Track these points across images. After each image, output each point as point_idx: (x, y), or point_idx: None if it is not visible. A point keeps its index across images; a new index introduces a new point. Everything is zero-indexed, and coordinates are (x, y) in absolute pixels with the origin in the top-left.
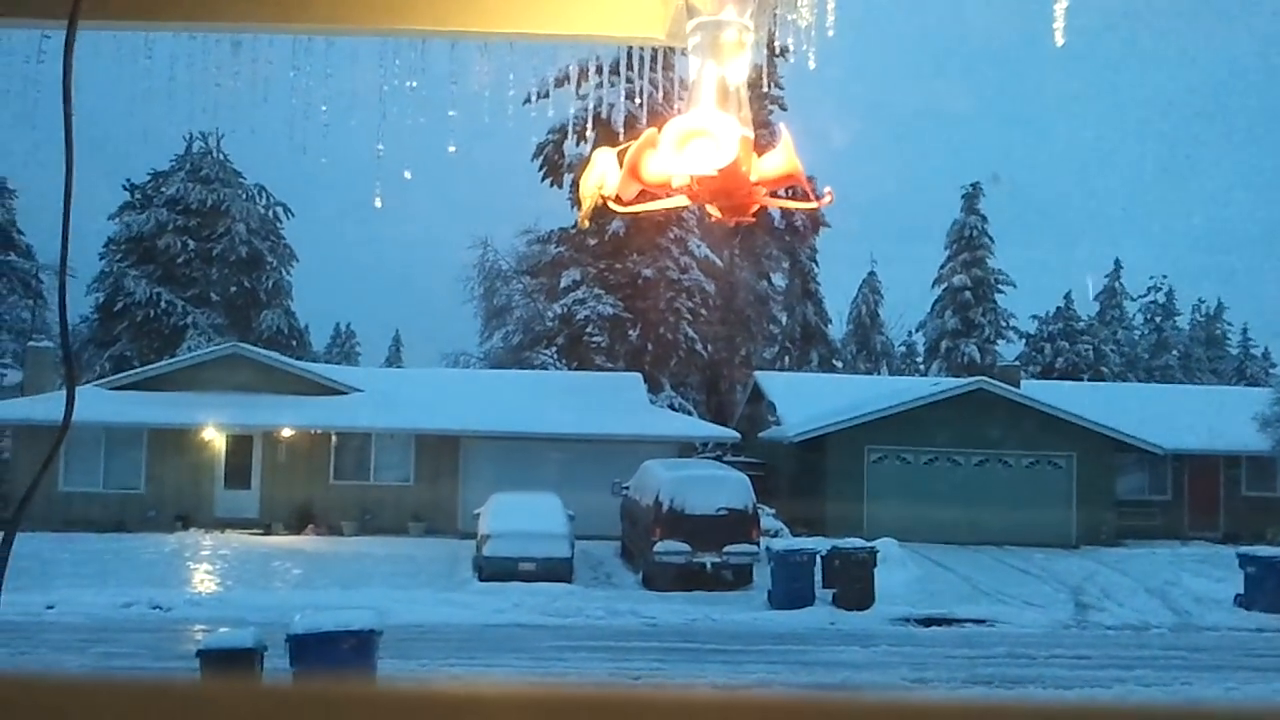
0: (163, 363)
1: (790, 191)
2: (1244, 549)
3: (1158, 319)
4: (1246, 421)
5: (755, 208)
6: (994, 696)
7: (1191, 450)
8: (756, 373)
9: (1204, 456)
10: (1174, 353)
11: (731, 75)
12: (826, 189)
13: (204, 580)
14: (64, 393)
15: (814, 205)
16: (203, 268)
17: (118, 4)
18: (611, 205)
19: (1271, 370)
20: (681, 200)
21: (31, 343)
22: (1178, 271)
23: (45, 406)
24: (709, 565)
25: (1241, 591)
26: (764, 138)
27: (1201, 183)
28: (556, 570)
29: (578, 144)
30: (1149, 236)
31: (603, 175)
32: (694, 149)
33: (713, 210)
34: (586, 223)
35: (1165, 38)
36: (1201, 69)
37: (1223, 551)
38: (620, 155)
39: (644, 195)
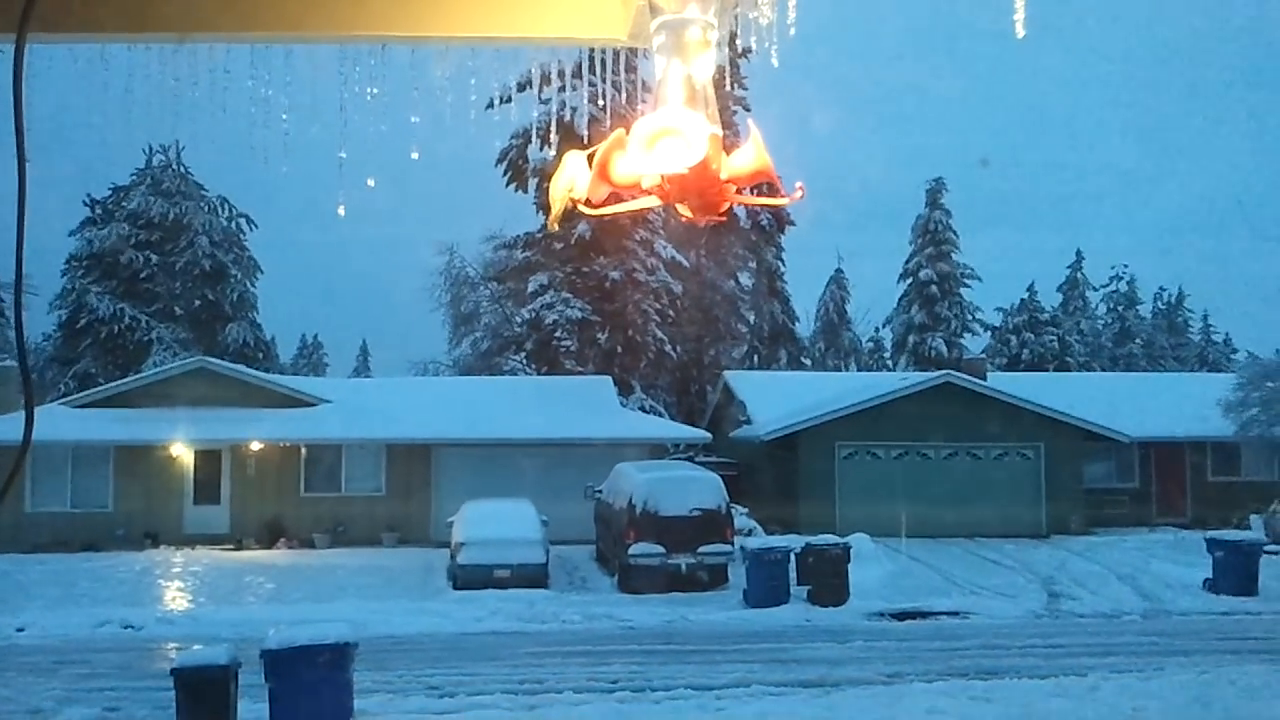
0: (128, 379)
1: (759, 189)
2: (1211, 534)
3: (1120, 308)
4: (1210, 407)
5: (726, 206)
6: None
7: (1157, 438)
8: (726, 372)
9: (1169, 443)
10: (1137, 341)
11: (697, 73)
12: (798, 184)
13: (176, 598)
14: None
15: (785, 201)
16: (166, 282)
17: (68, 15)
18: (582, 208)
19: (1233, 356)
20: (652, 201)
21: None
22: (1139, 260)
23: (6, 426)
24: (684, 566)
25: (1210, 576)
26: (728, 138)
27: (1160, 172)
28: (532, 576)
29: (541, 148)
30: (1110, 226)
31: (573, 178)
32: (663, 148)
33: (683, 210)
34: (557, 225)
35: (1123, 27)
36: (1161, 57)
37: (1190, 537)
38: (590, 158)
39: (614, 197)
